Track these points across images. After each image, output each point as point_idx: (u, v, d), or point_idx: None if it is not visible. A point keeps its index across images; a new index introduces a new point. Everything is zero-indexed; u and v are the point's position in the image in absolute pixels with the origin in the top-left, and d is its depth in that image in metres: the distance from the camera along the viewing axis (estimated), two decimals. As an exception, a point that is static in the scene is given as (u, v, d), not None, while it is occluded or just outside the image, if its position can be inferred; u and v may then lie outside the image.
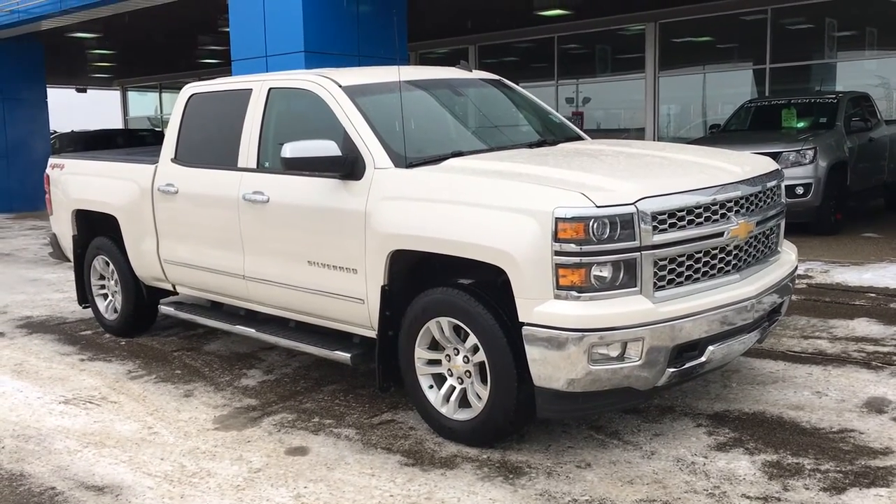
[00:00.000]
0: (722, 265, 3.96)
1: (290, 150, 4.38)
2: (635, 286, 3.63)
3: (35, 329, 6.99)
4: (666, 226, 3.69)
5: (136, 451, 4.26)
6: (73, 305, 7.30)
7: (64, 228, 6.87)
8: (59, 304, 7.94)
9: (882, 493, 3.47)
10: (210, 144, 5.53)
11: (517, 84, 5.93)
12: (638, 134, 17.56)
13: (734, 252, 4.00)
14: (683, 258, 3.78)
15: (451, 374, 4.15)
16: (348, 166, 4.42)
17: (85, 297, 6.81)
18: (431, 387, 4.22)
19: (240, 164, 5.13)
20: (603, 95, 19.30)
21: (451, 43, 20.20)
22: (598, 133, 18.10)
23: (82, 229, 6.71)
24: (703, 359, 3.83)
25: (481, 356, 3.92)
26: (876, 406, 4.43)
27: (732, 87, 16.82)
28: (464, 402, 4.11)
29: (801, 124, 11.12)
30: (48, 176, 6.96)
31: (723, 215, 3.92)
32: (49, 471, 4.08)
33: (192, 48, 20.39)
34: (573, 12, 16.29)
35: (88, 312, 6.95)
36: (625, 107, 19.00)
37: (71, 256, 6.88)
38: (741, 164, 4.32)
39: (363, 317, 4.45)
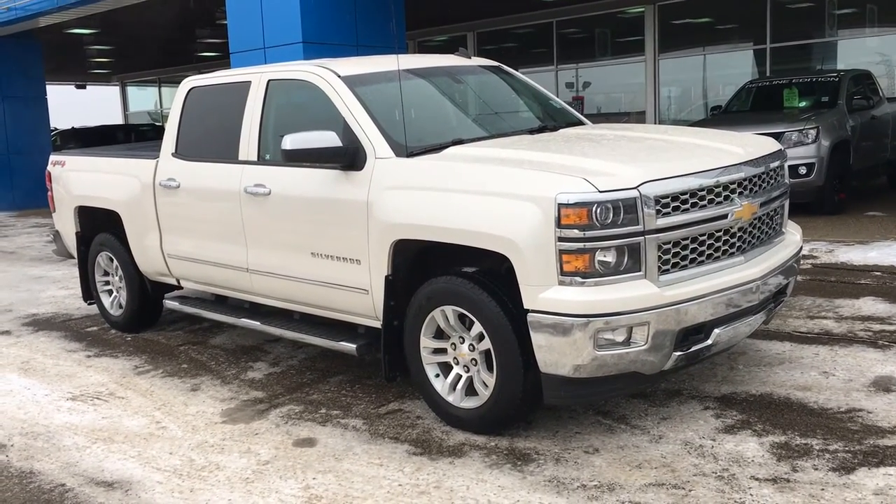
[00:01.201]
0: (726, 247, 3.94)
1: (291, 141, 4.36)
2: (640, 270, 3.62)
3: (41, 326, 7.00)
4: (669, 209, 3.67)
5: (145, 446, 4.27)
6: (78, 302, 7.31)
7: (67, 225, 6.87)
8: (63, 300, 7.95)
9: (891, 472, 3.46)
10: (210, 138, 5.52)
11: (517, 70, 5.90)
12: (639, 117, 17.49)
13: (738, 234, 3.99)
14: (687, 241, 3.77)
15: (457, 362, 4.15)
16: (349, 157, 4.40)
17: (90, 293, 6.82)
18: (438, 375, 4.22)
19: (241, 157, 5.12)
20: (603, 79, 19.21)
21: (450, 30, 20.10)
22: (599, 117, 18.03)
23: (85, 226, 6.72)
24: (709, 342, 3.83)
25: (487, 344, 3.91)
26: (883, 385, 4.42)
27: (733, 67, 16.73)
28: (470, 391, 4.11)
29: (802, 104, 11.06)
30: (49, 173, 6.95)
31: (726, 197, 3.90)
32: (58, 467, 4.09)
33: (191, 42, 20.33)
34: (571, -4, 16.23)
35: (94, 309, 6.96)
36: (625, 90, 18.91)
37: (74, 253, 6.88)
38: (744, 146, 4.30)
39: (368, 307, 4.45)
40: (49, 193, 7.02)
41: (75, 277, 7.30)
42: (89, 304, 6.91)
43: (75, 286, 7.59)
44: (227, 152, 5.22)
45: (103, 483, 3.88)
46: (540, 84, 5.84)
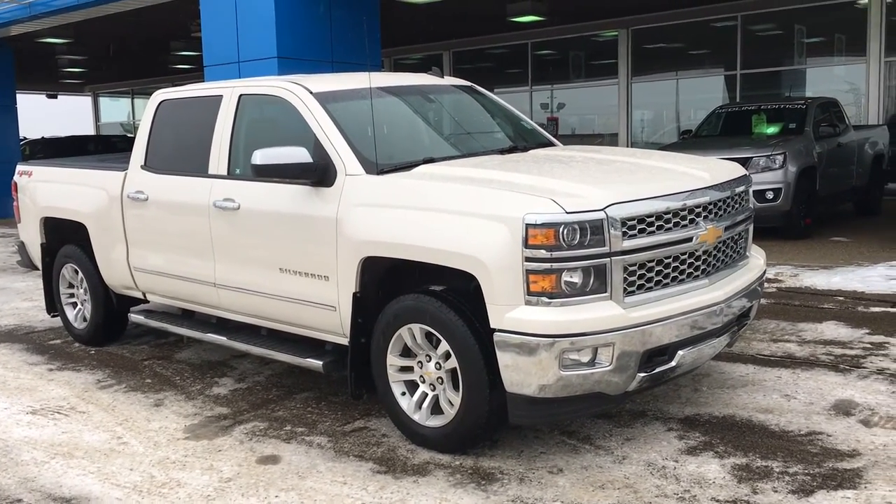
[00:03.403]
0: (691, 270, 3.99)
1: (261, 156, 4.36)
2: (605, 292, 3.65)
3: (2, 338, 6.88)
4: (635, 231, 3.71)
5: (105, 462, 4.21)
6: (42, 314, 7.20)
7: (32, 236, 6.78)
8: (27, 312, 7.83)
9: (849, 495, 3.51)
10: (180, 151, 5.49)
11: (492, 90, 5.95)
12: (612, 139, 17.69)
13: (703, 257, 4.04)
14: (653, 263, 3.81)
15: (423, 380, 4.14)
16: (319, 173, 4.40)
17: (54, 305, 6.73)
18: (404, 394, 4.21)
19: (210, 171, 5.10)
20: (577, 101, 19.43)
21: (426, 49, 20.24)
22: (574, 138, 18.23)
23: (51, 237, 6.63)
24: (673, 363, 3.86)
25: (453, 363, 3.92)
26: (843, 409, 4.49)
27: (704, 92, 17.01)
28: (436, 409, 4.11)
29: (770, 130, 11.25)
30: (16, 183, 6.86)
31: (692, 221, 3.95)
32: (15, 482, 4.02)
33: (165, 54, 20.24)
34: (546, 18, 16.40)
35: (57, 321, 6.86)
36: (599, 112, 19.14)
37: (39, 265, 6.79)
38: (709, 170, 4.36)
39: (335, 324, 4.43)
40: (14, 203, 6.93)
41: (39, 289, 7.19)
42: (53, 316, 6.82)
43: (39, 298, 7.47)
44: (196, 166, 5.20)
45: (61, 499, 3.82)
46: (514, 105, 5.90)
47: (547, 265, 3.56)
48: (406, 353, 4.17)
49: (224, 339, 5.21)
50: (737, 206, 4.35)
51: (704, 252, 4.03)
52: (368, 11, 9.98)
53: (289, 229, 4.59)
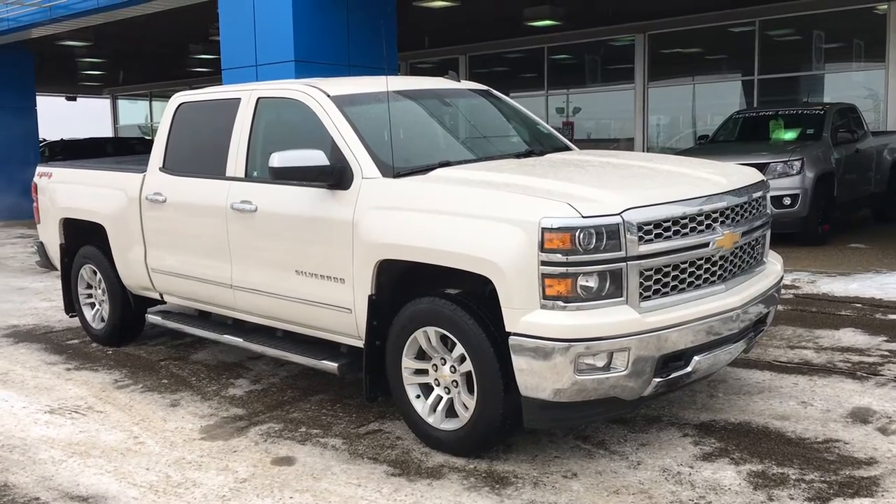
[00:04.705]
0: (707, 275, 3.98)
1: (279, 159, 4.38)
2: (621, 296, 3.64)
3: (21, 338, 6.95)
4: (652, 236, 3.71)
5: (122, 461, 4.24)
6: (60, 314, 7.26)
7: (51, 237, 6.84)
8: (45, 312, 7.90)
9: (866, 503, 3.48)
10: (198, 153, 5.53)
11: (508, 94, 5.95)
12: (627, 144, 17.64)
13: (720, 262, 4.02)
14: (669, 268, 3.80)
15: (438, 383, 4.15)
16: (336, 176, 4.42)
17: (72, 305, 6.78)
18: (419, 396, 4.22)
19: (228, 174, 5.13)
20: (593, 106, 19.39)
21: (442, 53, 20.26)
22: (589, 143, 18.18)
23: (70, 238, 6.69)
24: (688, 369, 3.85)
25: (468, 366, 3.92)
26: (861, 416, 4.45)
27: (721, 97, 16.93)
28: (451, 412, 4.11)
29: (788, 135, 11.19)
30: (36, 184, 6.93)
31: (708, 226, 3.94)
32: (33, 481, 4.06)
33: (183, 57, 20.38)
34: (563, 23, 16.40)
35: (75, 321, 6.92)
36: (615, 117, 19.09)
37: (58, 265, 6.85)
38: (727, 175, 4.35)
39: (351, 326, 4.45)
40: (35, 204, 6.99)
41: (58, 289, 7.26)
42: (71, 316, 6.87)
43: (57, 298, 7.55)
44: (214, 168, 5.23)
45: (78, 497, 3.85)
46: (530, 109, 5.90)
47: (563, 269, 3.56)
48: (421, 356, 4.18)
49: (240, 340, 5.24)
50: (754, 211, 4.33)
51: (721, 257, 4.02)
52: (385, 15, 10.00)
53: (305, 232, 4.62)
